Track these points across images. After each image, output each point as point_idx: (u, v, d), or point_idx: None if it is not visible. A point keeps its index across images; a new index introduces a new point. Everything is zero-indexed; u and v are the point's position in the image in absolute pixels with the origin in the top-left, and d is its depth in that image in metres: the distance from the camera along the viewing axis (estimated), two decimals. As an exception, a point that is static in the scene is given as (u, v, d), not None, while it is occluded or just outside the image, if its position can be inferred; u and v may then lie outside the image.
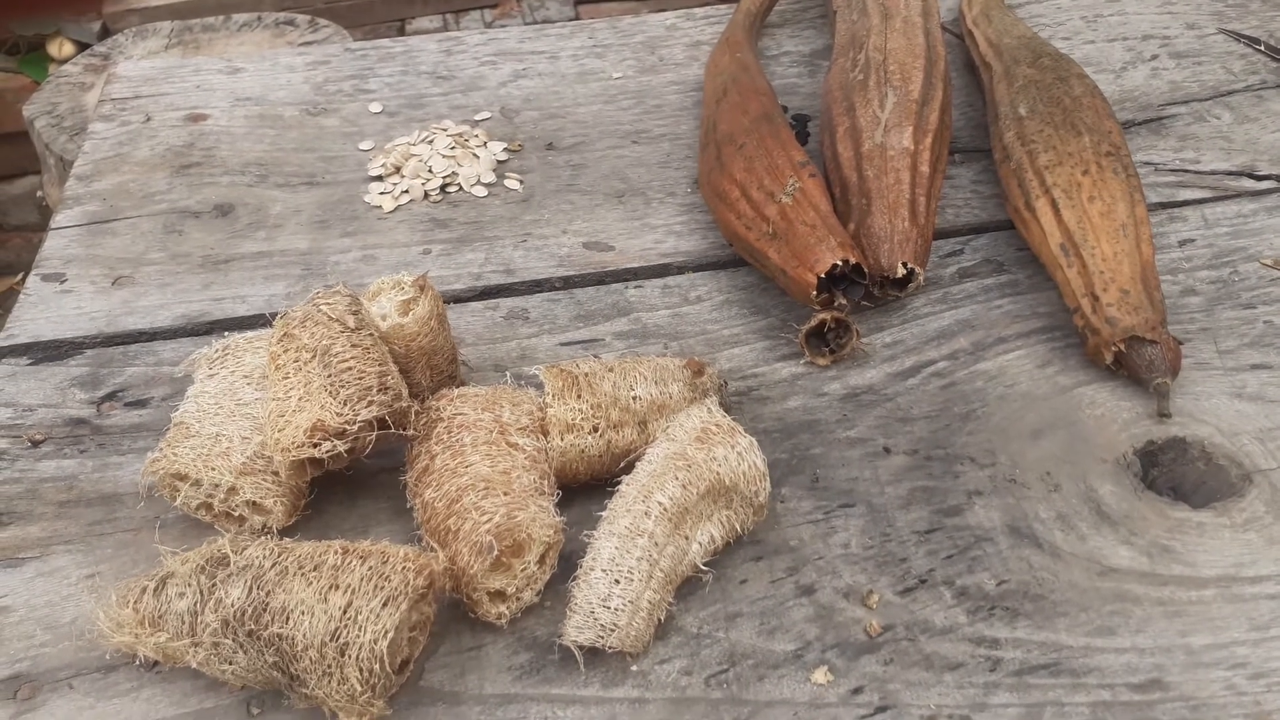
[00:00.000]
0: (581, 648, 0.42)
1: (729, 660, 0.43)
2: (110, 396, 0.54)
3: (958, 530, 0.48)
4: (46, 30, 1.52)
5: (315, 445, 0.42)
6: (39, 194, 1.13)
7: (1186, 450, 0.51)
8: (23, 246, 1.68)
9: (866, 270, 0.54)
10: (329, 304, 0.45)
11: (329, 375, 0.43)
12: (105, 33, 1.50)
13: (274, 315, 0.58)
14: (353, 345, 0.43)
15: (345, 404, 0.42)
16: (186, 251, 0.63)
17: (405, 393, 0.44)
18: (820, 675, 0.42)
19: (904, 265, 0.55)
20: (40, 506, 0.49)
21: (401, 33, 1.69)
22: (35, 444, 0.52)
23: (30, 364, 0.56)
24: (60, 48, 1.53)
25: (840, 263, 0.52)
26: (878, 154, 0.59)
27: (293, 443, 0.42)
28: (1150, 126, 0.72)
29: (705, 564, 0.45)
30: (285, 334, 0.45)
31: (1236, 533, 0.47)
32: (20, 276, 1.67)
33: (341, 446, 0.42)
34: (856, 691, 0.42)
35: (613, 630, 0.41)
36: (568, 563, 0.44)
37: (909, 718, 0.41)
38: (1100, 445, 0.51)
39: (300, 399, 0.43)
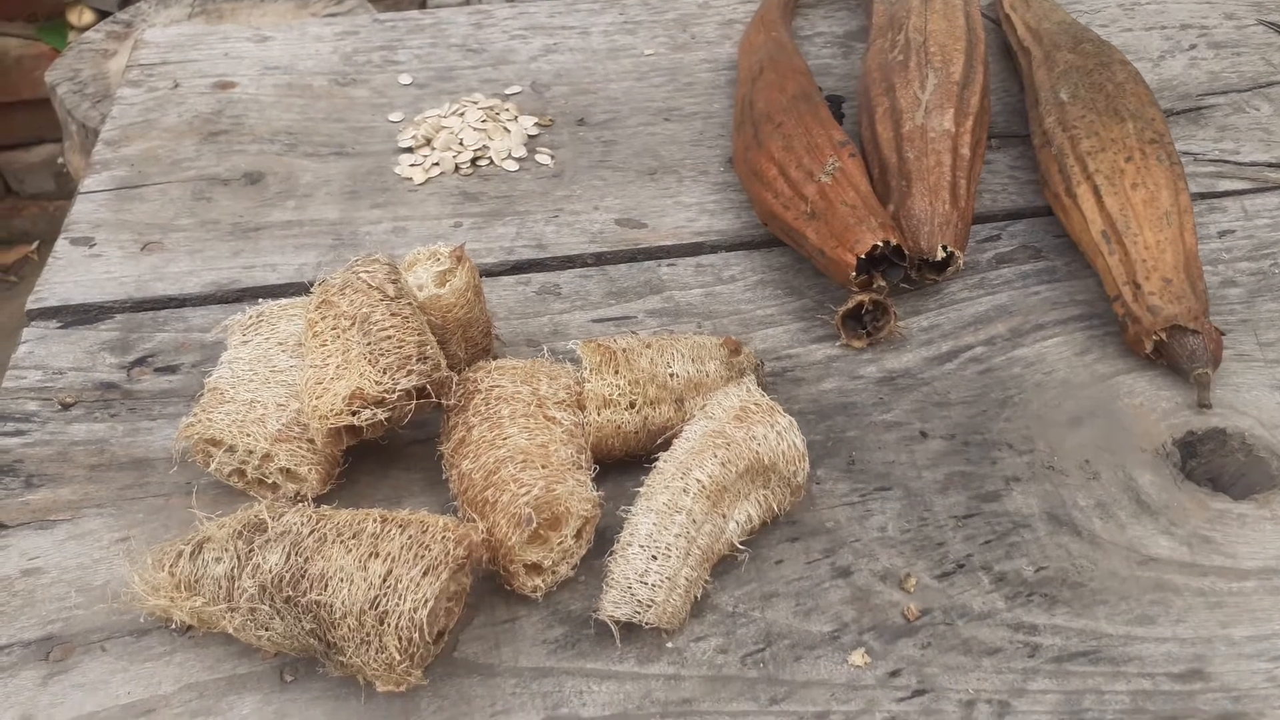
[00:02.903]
0: (617, 623, 0.41)
1: (765, 640, 0.42)
2: (140, 361, 0.54)
3: (996, 516, 0.47)
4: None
5: (354, 413, 0.41)
6: (60, 160, 1.13)
7: (1226, 441, 0.51)
8: (39, 215, 1.67)
9: (906, 252, 0.53)
10: (368, 271, 0.44)
11: (368, 343, 0.42)
12: (125, 1, 1.49)
13: (306, 284, 0.57)
14: (392, 314, 0.43)
15: (385, 372, 0.41)
16: (216, 218, 0.63)
17: (444, 363, 0.44)
18: (858, 657, 0.42)
19: (944, 248, 0.55)
20: (71, 469, 0.49)
21: (423, 5, 1.67)
22: (65, 407, 0.51)
23: (60, 327, 0.55)
24: (80, 15, 1.52)
25: (881, 244, 0.52)
26: (918, 135, 0.58)
27: (331, 410, 0.42)
28: (1189, 116, 0.71)
29: (741, 543, 0.44)
30: (324, 301, 0.44)
31: (1278, 525, 0.47)
32: (35, 245, 1.66)
33: (381, 415, 0.41)
34: (894, 674, 0.41)
35: (649, 606, 0.41)
36: (602, 538, 0.44)
37: (947, 702, 0.41)
38: (1139, 434, 0.51)
39: (338, 366, 0.42)
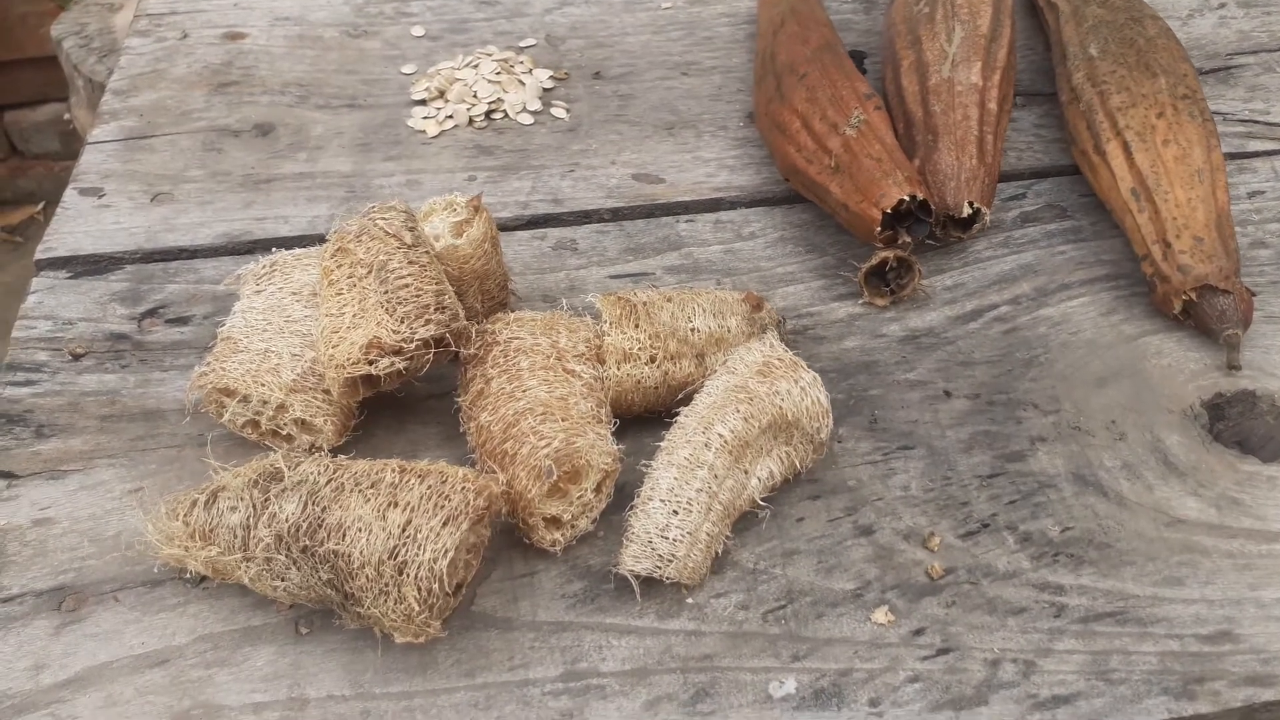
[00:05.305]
0: (638, 577, 0.41)
1: (786, 597, 0.42)
2: (151, 313, 0.53)
3: (1021, 476, 0.46)
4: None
5: (371, 363, 0.41)
6: (66, 116, 1.11)
7: (1255, 404, 0.50)
8: (44, 175, 1.66)
9: (933, 207, 0.52)
10: (385, 219, 0.43)
11: (385, 292, 0.41)
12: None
13: (318, 236, 0.56)
14: (410, 262, 0.42)
15: (402, 321, 0.41)
16: (226, 170, 0.62)
17: (462, 313, 0.43)
18: (881, 615, 0.41)
19: (970, 204, 0.53)
20: (82, 420, 0.48)
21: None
22: (76, 357, 0.50)
23: (70, 277, 0.55)
24: (84, -29, 1.49)
25: (907, 198, 0.51)
26: (945, 89, 0.56)
27: (347, 359, 0.41)
28: (1218, 76, 0.69)
29: (762, 500, 0.44)
30: (340, 248, 0.43)
31: (1308, 488, 0.46)
32: (41, 205, 1.65)
33: (399, 364, 0.41)
34: (918, 633, 0.41)
35: (670, 561, 0.40)
36: (621, 493, 0.43)
37: (972, 660, 0.40)
38: (1167, 396, 0.50)
39: (355, 315, 0.41)
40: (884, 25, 0.66)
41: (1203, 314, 0.51)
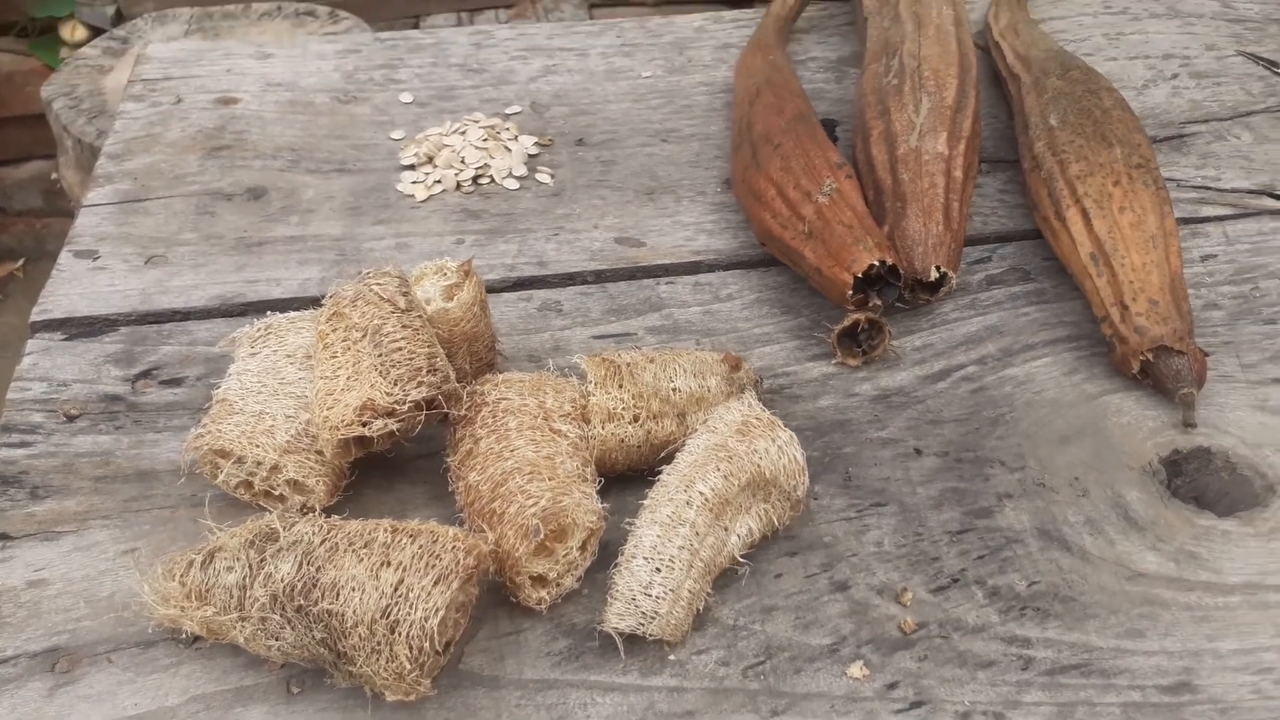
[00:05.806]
0: (622, 635, 0.42)
1: (765, 652, 0.43)
2: (145, 374, 0.54)
3: (989, 531, 0.48)
4: (60, 14, 1.51)
5: (364, 424, 0.42)
6: (54, 175, 1.13)
7: (1210, 460, 0.52)
8: (25, 232, 1.67)
9: (902, 272, 0.55)
10: (380, 284, 0.45)
11: (379, 355, 0.43)
12: (120, 18, 1.50)
13: (309, 299, 0.58)
14: (403, 326, 0.43)
15: (395, 384, 0.42)
16: (219, 233, 0.63)
17: (453, 375, 0.44)
18: (856, 670, 0.43)
19: (937, 269, 0.56)
20: (76, 481, 0.49)
21: (415, 27, 1.69)
22: (70, 419, 0.52)
23: (65, 339, 0.56)
24: (73, 31, 1.52)
25: (877, 263, 0.53)
26: (913, 158, 0.59)
27: (342, 421, 0.42)
28: (1172, 144, 0.73)
29: (742, 557, 0.45)
30: (335, 313, 0.45)
31: (1262, 541, 0.48)
32: (21, 262, 1.66)
33: (392, 425, 0.42)
34: (892, 686, 0.42)
35: (654, 618, 0.42)
36: (606, 550, 0.45)
37: (943, 714, 0.41)
38: (1127, 453, 0.52)
39: (349, 378, 0.43)
40: (854, 95, 0.69)
41: (1159, 374, 0.53)
